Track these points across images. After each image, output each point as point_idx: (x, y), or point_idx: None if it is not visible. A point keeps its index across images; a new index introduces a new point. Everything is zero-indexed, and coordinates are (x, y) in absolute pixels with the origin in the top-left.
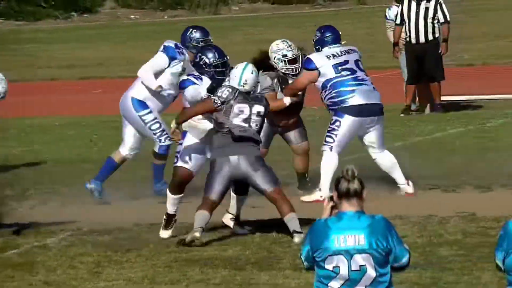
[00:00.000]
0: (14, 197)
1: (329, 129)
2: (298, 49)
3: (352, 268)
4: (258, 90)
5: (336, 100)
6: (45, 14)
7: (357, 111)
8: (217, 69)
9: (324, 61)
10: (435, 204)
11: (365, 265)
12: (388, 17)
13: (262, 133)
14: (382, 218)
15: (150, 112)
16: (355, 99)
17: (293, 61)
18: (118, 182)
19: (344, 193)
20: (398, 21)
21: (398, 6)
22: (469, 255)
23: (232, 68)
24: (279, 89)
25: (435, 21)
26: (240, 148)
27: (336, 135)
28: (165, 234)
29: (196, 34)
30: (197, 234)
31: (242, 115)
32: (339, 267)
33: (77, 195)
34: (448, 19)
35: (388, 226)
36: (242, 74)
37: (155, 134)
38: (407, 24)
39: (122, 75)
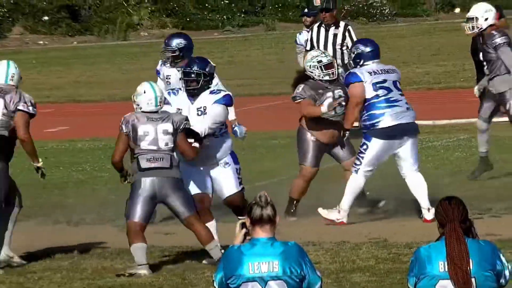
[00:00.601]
0: None
1: (358, 151)
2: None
3: None
4: (164, 108)
5: (367, 123)
6: None
7: (386, 134)
8: (205, 79)
9: (367, 77)
10: (347, 231)
11: None
12: (298, 42)
13: (310, 153)
14: (295, 245)
15: None
16: (385, 122)
17: (329, 66)
18: (31, 207)
19: (258, 219)
20: (308, 47)
21: (308, 32)
22: (381, 281)
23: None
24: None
25: (344, 48)
26: (157, 171)
27: (363, 157)
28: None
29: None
30: (145, 272)
31: (148, 137)
32: None
33: None
34: None
35: (302, 252)
36: (155, 95)
37: None
38: None
39: None
